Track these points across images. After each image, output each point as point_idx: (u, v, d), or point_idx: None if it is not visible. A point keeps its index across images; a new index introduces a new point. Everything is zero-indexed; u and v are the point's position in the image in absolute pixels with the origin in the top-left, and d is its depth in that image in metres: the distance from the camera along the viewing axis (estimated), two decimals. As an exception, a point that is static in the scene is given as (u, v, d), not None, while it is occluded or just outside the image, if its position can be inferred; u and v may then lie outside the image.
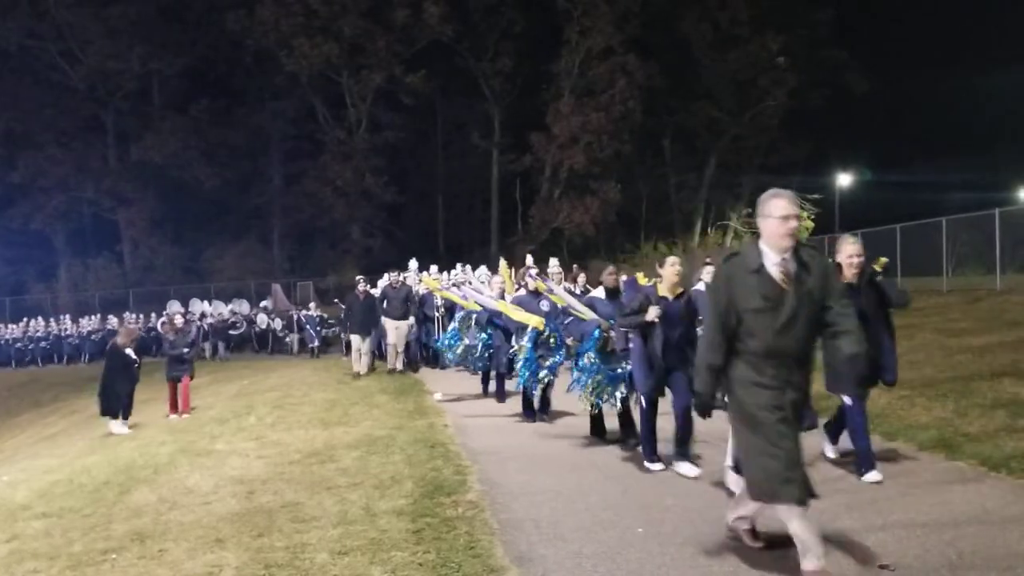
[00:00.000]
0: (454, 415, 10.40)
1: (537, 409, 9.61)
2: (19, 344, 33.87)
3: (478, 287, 12.87)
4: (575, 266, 20.19)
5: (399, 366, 15.83)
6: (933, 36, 36.70)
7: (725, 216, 40.52)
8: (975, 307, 16.03)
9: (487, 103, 41.87)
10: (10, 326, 35.02)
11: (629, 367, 7.32)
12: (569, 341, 9.13)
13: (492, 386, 11.95)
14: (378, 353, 17.12)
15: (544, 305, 9.60)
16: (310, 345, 24.95)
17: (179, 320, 14.79)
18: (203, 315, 29.58)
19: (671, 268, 6.84)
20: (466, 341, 11.42)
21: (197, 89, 42.75)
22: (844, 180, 35.82)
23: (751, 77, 37.07)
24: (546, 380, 9.26)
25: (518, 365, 9.51)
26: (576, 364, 7.86)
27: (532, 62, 39.04)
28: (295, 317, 26.66)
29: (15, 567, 5.54)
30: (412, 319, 16.41)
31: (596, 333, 7.63)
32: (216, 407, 13.49)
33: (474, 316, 11.47)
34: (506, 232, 41.61)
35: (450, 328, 12.06)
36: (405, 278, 17.31)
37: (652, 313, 6.59)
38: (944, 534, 4.93)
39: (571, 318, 8.78)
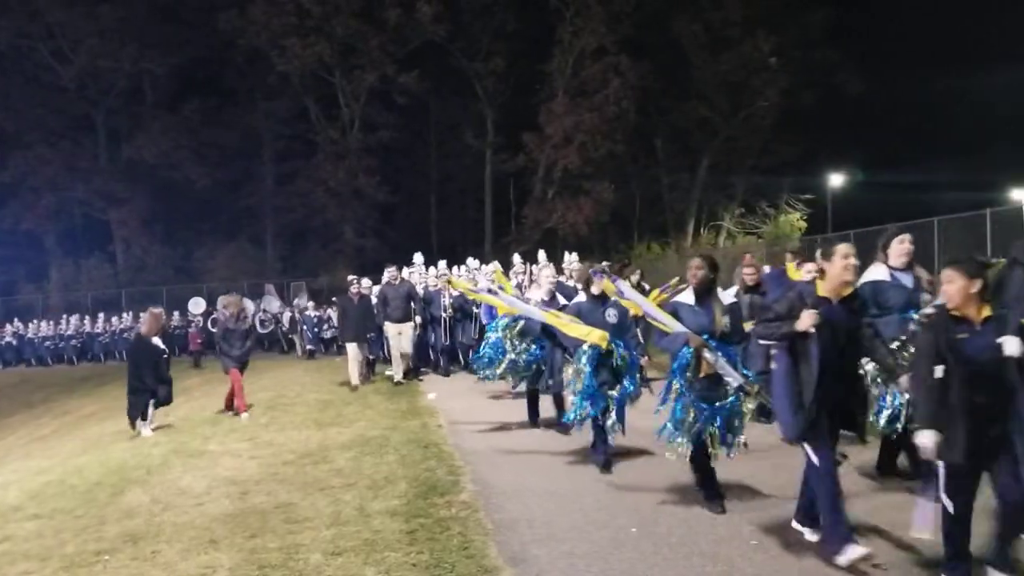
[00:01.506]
0: (448, 415, 10.41)
1: (598, 451, 7.21)
2: (48, 343, 33.65)
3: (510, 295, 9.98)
4: (627, 261, 17.89)
5: (399, 376, 13.95)
6: (925, 37, 36.71)
7: (718, 216, 40.67)
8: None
9: (480, 103, 41.82)
10: (41, 324, 34.68)
11: (740, 395, 5.76)
12: (644, 362, 7.57)
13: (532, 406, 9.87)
14: (383, 355, 15.74)
15: (611, 315, 7.22)
16: (308, 347, 23.58)
17: (238, 302, 12.75)
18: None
19: (842, 261, 4.82)
20: (511, 355, 9.01)
21: (188, 89, 42.56)
22: (836, 180, 35.89)
23: (743, 78, 37.09)
24: (612, 417, 6.98)
25: (571, 393, 7.17)
26: (662, 398, 5.99)
27: (525, 62, 38.98)
28: (293, 317, 25.96)
29: (7, 568, 5.52)
30: (418, 320, 14.55)
31: (684, 352, 5.79)
32: (209, 408, 13.44)
33: (521, 322, 8.99)
34: (499, 232, 41.58)
35: (490, 337, 9.47)
36: (411, 273, 15.95)
37: (807, 320, 4.66)
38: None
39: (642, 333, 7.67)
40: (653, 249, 37.14)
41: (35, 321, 35.64)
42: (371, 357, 15.33)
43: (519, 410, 10.35)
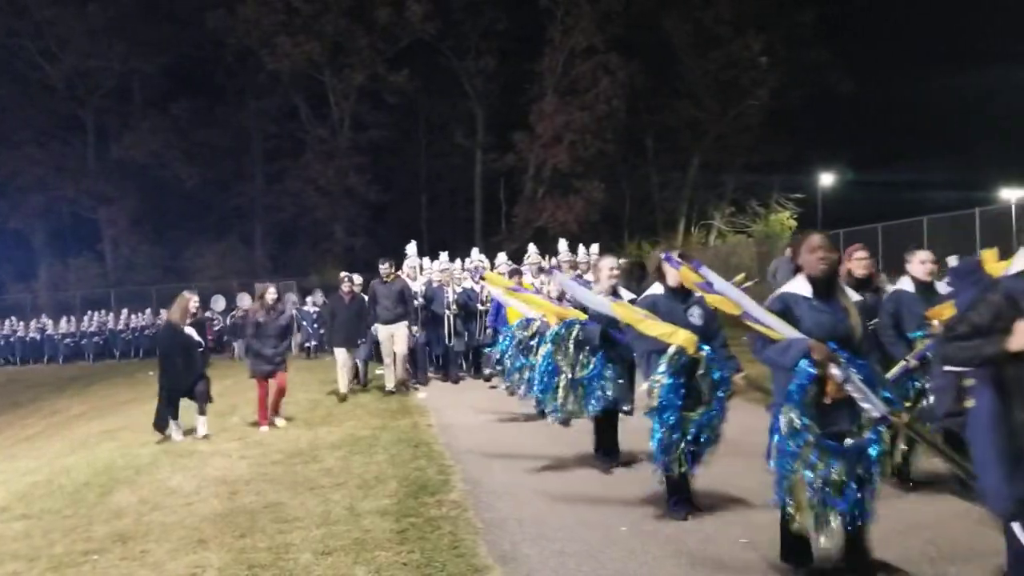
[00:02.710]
0: (438, 414, 10.40)
1: (679, 505, 5.57)
2: (68, 340, 33.44)
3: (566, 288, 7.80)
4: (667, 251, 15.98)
5: (391, 385, 12.45)
6: (914, 36, 36.97)
7: (708, 215, 40.79)
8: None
9: (470, 102, 41.83)
10: (61, 321, 34.44)
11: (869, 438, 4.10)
12: (739, 379, 5.52)
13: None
14: (376, 357, 13.95)
15: (695, 315, 5.58)
16: (306, 344, 23.05)
17: (271, 295, 10.64)
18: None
19: None
20: (566, 373, 6.75)
21: (178, 88, 42.40)
22: (826, 179, 36.05)
23: (733, 77, 37.22)
24: (689, 457, 5.35)
25: (648, 416, 5.37)
26: (773, 438, 4.18)
27: (515, 61, 39.02)
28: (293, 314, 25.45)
29: (-6, 569, 5.49)
30: (415, 327, 12.94)
31: (803, 367, 4.08)
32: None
33: (577, 327, 6.82)
34: (490, 231, 41.60)
35: (540, 352, 7.13)
36: (413, 268, 14.11)
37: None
38: (924, 533, 4.97)
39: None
40: (644, 248, 37.19)
41: (37, 318, 35.44)
42: (362, 361, 13.91)
43: (509, 409, 10.35)
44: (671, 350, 5.28)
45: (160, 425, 9.84)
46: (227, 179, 43.50)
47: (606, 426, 7.13)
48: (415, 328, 12.87)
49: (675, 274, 5.47)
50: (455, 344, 13.91)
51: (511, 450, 8.09)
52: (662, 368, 5.26)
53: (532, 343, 8.25)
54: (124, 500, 6.95)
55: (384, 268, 12.64)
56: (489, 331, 11.33)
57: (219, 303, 27.84)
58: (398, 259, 13.83)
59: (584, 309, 6.83)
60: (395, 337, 12.41)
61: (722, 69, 37.18)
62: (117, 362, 30.79)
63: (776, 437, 4.13)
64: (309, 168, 41.06)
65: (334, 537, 5.39)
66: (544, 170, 38.85)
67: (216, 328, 26.06)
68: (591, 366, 6.71)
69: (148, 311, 33.62)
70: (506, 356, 8.81)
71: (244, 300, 27.43)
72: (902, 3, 37.54)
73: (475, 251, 16.00)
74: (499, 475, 7.01)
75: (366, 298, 13.00)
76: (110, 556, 5.43)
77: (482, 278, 11.13)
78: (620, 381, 6.77)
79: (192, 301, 9.83)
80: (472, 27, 39.97)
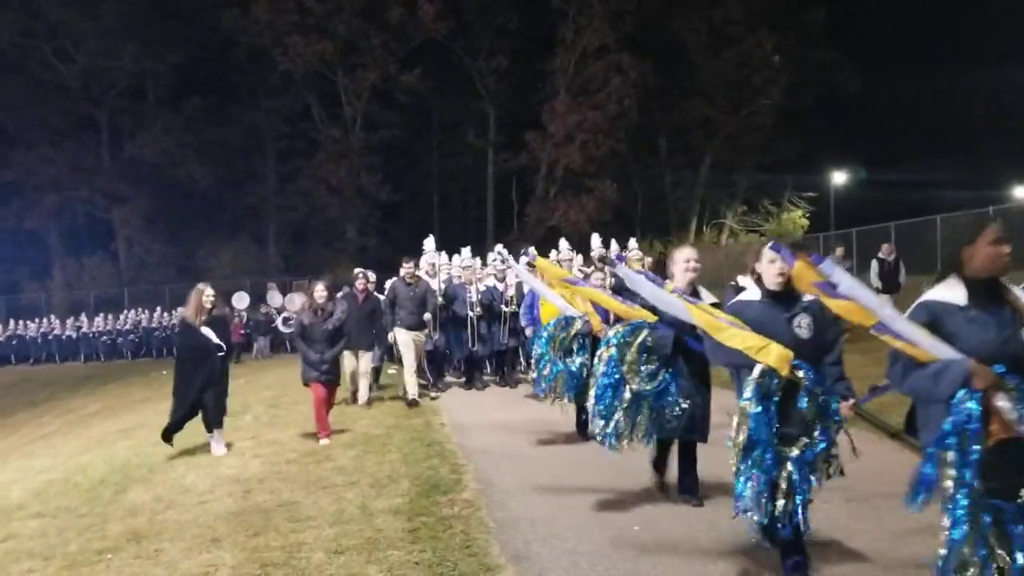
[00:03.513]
0: (450, 414, 10.40)
1: (789, 562, 4.36)
2: (105, 337, 33.61)
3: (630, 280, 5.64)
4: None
5: (413, 392, 11.16)
6: (926, 35, 36.76)
7: (721, 215, 40.70)
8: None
9: (482, 101, 41.86)
10: (96, 319, 34.60)
11: None
12: (846, 408, 4.27)
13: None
14: (389, 357, 13.17)
15: (803, 325, 4.27)
16: None
17: (320, 294, 9.30)
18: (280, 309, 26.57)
19: None
20: (626, 394, 5.43)
21: (191, 87, 42.61)
22: (839, 178, 35.94)
23: (745, 76, 37.14)
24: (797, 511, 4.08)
25: (732, 452, 4.14)
26: (920, 491, 3.28)
27: (527, 60, 39.05)
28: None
29: (11, 567, 5.53)
30: (434, 333, 12.07)
31: (963, 399, 3.17)
32: (211, 406, 13.45)
33: (645, 332, 5.54)
34: (502, 231, 41.62)
35: (602, 357, 5.60)
36: (432, 265, 12.86)
37: None
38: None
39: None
40: (656, 248, 37.14)
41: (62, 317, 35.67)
42: (376, 365, 12.72)
43: (522, 409, 10.36)
44: (757, 370, 4.11)
45: (167, 435, 8.69)
46: (240, 178, 43.68)
47: (664, 453, 6.09)
48: (434, 334, 11.98)
49: (776, 272, 4.29)
50: (479, 348, 12.69)
51: (523, 449, 8.08)
52: (748, 392, 4.11)
53: (572, 346, 7.40)
54: (139, 498, 6.98)
55: (406, 268, 11.57)
56: (528, 329, 10.29)
57: (243, 300, 27.79)
58: (414, 258, 12.40)
59: (653, 310, 5.54)
60: (418, 343, 11.46)
61: (734, 68, 37.11)
62: (131, 361, 30.96)
63: (945, 502, 3.15)
64: (321, 168, 41.21)
65: (347, 536, 5.41)
66: (556, 169, 38.86)
67: (243, 325, 26.25)
68: (658, 379, 5.46)
69: (159, 310, 33.71)
70: (544, 360, 7.51)
71: (243, 300, 27.48)
72: (911, 2, 37.41)
73: (499, 246, 13.57)
74: (511, 474, 7.00)
75: (381, 298, 12.03)
76: (124, 555, 5.46)
77: (531, 265, 8.40)
78: (694, 400, 5.53)
79: (206, 294, 8.67)
80: (484, 27, 40.01)
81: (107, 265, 44.20)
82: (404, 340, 11.31)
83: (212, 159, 42.28)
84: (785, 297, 4.33)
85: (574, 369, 7.27)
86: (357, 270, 12.05)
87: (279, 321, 26.11)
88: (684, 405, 5.46)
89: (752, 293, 4.43)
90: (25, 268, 44.33)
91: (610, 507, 5.92)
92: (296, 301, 27.54)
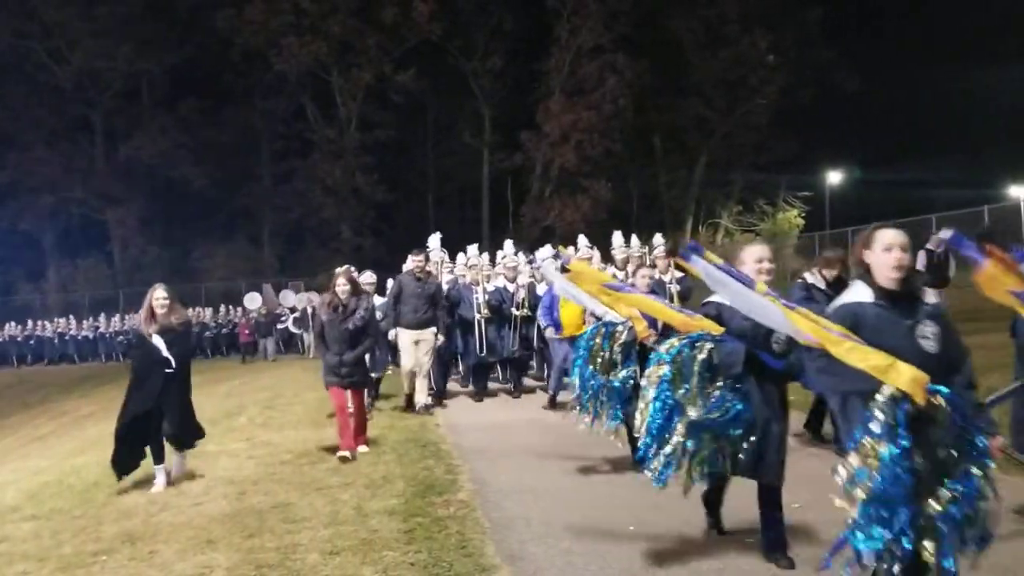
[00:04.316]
0: (445, 414, 10.40)
1: None
2: (122, 337, 33.51)
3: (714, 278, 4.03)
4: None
5: (424, 400, 10.25)
6: (922, 35, 36.82)
7: (716, 214, 40.74)
8: (964, 303, 16.07)
9: (477, 102, 41.89)
10: (113, 320, 34.52)
11: None
12: (998, 445, 3.40)
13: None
14: (391, 359, 11.87)
15: (928, 334, 3.33)
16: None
17: (343, 288, 8.11)
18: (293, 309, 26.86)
19: None
20: (684, 422, 4.35)
21: (186, 88, 42.59)
22: (834, 178, 36.02)
23: (741, 75, 37.21)
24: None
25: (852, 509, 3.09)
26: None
27: (522, 60, 39.12)
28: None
29: (5, 569, 5.51)
30: (440, 337, 10.46)
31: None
32: (207, 408, 13.43)
33: (709, 345, 4.49)
34: (497, 231, 41.63)
35: (651, 377, 4.49)
36: (437, 264, 12.04)
37: None
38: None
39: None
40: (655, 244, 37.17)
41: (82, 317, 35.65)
42: (378, 375, 11.19)
43: (517, 409, 10.35)
44: (884, 394, 3.11)
45: (117, 463, 7.25)
46: (235, 179, 43.65)
47: (718, 487, 5.05)
48: (440, 336, 10.52)
49: (895, 264, 3.36)
50: (487, 355, 11.65)
51: (519, 450, 8.08)
52: (876, 426, 3.07)
53: (615, 357, 6.18)
54: (133, 500, 6.96)
55: (415, 261, 10.37)
56: (549, 328, 9.58)
57: (254, 301, 27.76)
58: (423, 251, 11.16)
59: (718, 318, 4.53)
60: (422, 346, 10.22)
61: (729, 68, 37.16)
62: (125, 363, 30.88)
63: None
64: (316, 168, 41.22)
65: (342, 537, 5.39)
66: (552, 169, 38.89)
67: (248, 326, 26.27)
68: (724, 405, 4.34)
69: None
70: (586, 380, 6.22)
71: (254, 301, 27.39)
72: (907, 2, 37.52)
73: (508, 243, 13.39)
74: (506, 475, 7.00)
75: (379, 300, 10.90)
76: (119, 556, 5.44)
77: (565, 269, 6.77)
78: (768, 431, 4.43)
79: (155, 297, 7.26)
80: (479, 27, 40.06)
81: (102, 266, 44.17)
82: (406, 341, 10.23)
83: (207, 160, 42.24)
84: (904, 298, 3.40)
85: (617, 384, 6.10)
86: (344, 267, 9.50)
87: (290, 322, 26.09)
88: (754, 438, 4.37)
89: (861, 292, 3.45)
90: (20, 270, 44.27)
91: (606, 507, 5.92)
92: (290, 298, 27.77)
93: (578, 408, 6.27)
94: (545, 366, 12.10)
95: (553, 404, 10.14)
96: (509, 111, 40.61)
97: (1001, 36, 33.51)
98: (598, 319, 6.55)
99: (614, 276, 9.42)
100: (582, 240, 12.79)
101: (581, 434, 7.64)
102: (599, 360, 6.20)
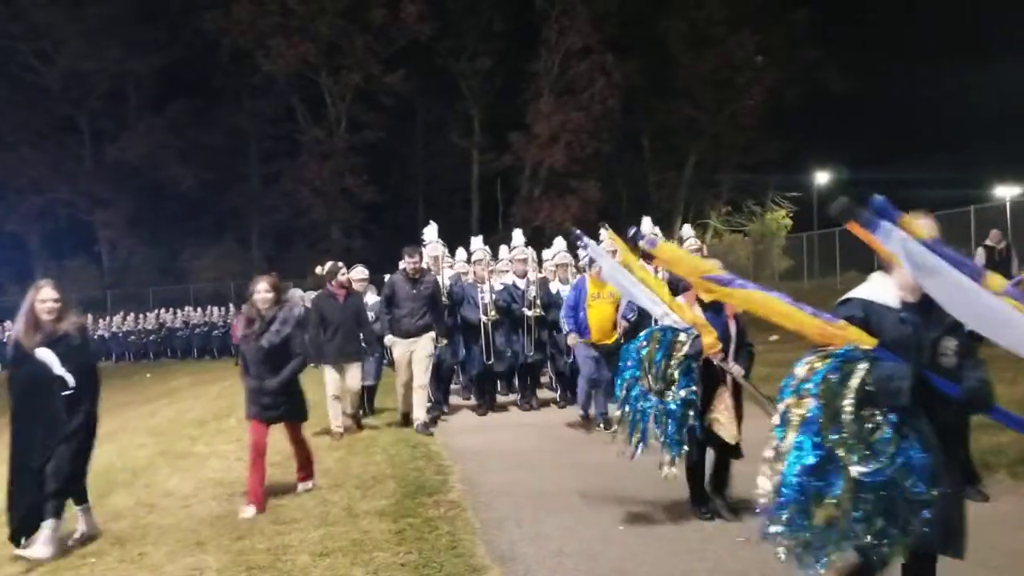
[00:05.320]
0: (435, 415, 10.37)
1: None
2: (132, 337, 33.37)
3: None
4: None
5: (423, 417, 8.93)
6: (909, 35, 37.03)
7: (705, 214, 40.81)
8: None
9: (466, 102, 41.88)
10: (100, 321, 34.24)
11: None
12: None
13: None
14: (387, 359, 10.20)
15: (947, 352, 3.08)
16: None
17: (262, 296, 6.40)
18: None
19: None
20: (845, 482, 2.89)
21: (173, 89, 42.42)
22: (822, 178, 36.10)
23: (728, 76, 37.32)
24: None
25: None
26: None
27: (511, 61, 39.09)
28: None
29: (-8, 572, 5.48)
30: (442, 340, 9.51)
31: None
32: (196, 409, 13.38)
33: (863, 366, 3.01)
34: (487, 231, 41.58)
35: (785, 433, 3.02)
36: (435, 258, 10.42)
37: None
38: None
39: None
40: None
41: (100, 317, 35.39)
42: (370, 384, 10.32)
43: (507, 410, 10.32)
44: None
45: (14, 523, 5.49)
46: (223, 180, 43.50)
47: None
48: (440, 341, 9.43)
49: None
50: (494, 363, 10.26)
51: (509, 450, 8.09)
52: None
53: (672, 372, 5.07)
54: (121, 502, 6.93)
55: (410, 260, 9.08)
56: (572, 333, 8.54)
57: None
58: (417, 248, 9.70)
59: (864, 323, 3.20)
60: (416, 355, 8.94)
61: (717, 68, 37.27)
62: (115, 364, 30.80)
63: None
64: (305, 169, 41.11)
65: (332, 538, 5.38)
66: (541, 170, 38.94)
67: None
68: (889, 451, 2.97)
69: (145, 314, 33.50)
70: (635, 399, 5.10)
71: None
72: (895, 2, 37.68)
73: (517, 232, 12.05)
74: (497, 475, 7.01)
75: (367, 295, 10.15)
76: (108, 559, 5.41)
77: (648, 256, 6.01)
78: (951, 484, 3.12)
79: (40, 300, 5.45)
80: (468, 28, 40.07)
81: (90, 268, 43.98)
82: (399, 350, 9.09)
83: (195, 161, 42.08)
84: (928, 303, 3.02)
85: (674, 407, 4.99)
86: (337, 263, 9.31)
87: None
88: (934, 493, 2.98)
89: (882, 289, 3.07)
90: (6, 271, 43.93)
91: (596, 507, 5.93)
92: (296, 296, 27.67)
93: (623, 432, 5.18)
94: (552, 377, 11.21)
95: (587, 420, 8.83)
96: (498, 112, 40.60)
97: (988, 36, 33.73)
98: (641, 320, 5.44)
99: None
100: (604, 233, 8.82)
101: (572, 435, 7.66)
102: (652, 374, 5.06)
